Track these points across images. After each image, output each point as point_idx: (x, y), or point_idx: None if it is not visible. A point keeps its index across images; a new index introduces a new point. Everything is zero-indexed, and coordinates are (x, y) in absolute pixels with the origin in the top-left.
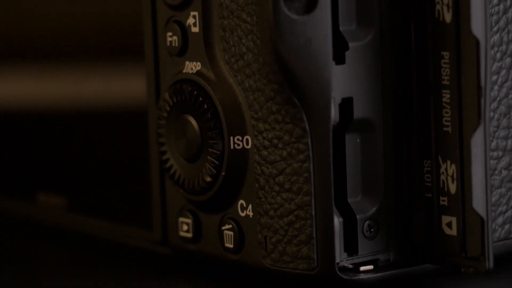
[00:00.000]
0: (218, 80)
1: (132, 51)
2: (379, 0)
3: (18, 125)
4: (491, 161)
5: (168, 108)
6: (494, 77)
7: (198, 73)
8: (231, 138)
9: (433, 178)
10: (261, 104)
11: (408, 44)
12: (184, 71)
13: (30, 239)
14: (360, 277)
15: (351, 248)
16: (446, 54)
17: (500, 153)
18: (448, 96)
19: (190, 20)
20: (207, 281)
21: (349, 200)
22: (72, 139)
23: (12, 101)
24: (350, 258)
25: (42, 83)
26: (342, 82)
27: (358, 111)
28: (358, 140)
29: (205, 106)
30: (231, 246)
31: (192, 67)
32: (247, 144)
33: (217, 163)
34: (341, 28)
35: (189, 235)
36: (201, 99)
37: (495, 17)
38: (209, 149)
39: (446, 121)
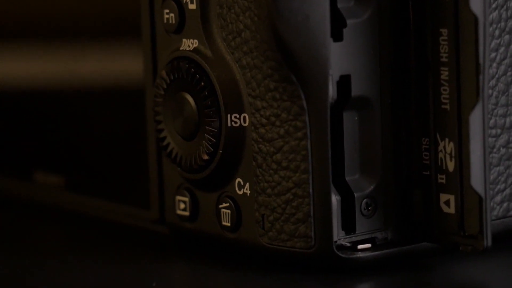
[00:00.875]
0: (215, 58)
1: (129, 28)
2: None
3: (15, 104)
4: (490, 139)
5: (165, 86)
6: (493, 54)
7: (195, 50)
8: (228, 116)
9: (431, 156)
10: (259, 81)
11: (406, 21)
12: (181, 48)
13: (27, 218)
14: (358, 255)
15: (349, 226)
16: (444, 31)
17: (499, 131)
18: (446, 73)
19: None
20: (204, 260)
21: (347, 178)
22: (69, 117)
23: (8, 80)
24: (347, 236)
25: (39, 61)
26: (340, 59)
27: (356, 89)
28: (356, 118)
29: (202, 83)
30: (228, 224)
31: (189, 44)
32: (245, 122)
33: (214, 141)
34: (339, 5)
35: (186, 213)
36: (198, 76)
37: None
38: (206, 127)
39: (444, 98)
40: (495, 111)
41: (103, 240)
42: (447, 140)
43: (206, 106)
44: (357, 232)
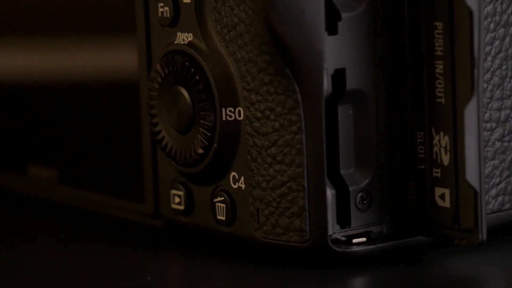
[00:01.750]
0: (210, 51)
1: (123, 22)
2: None
3: (9, 97)
4: (485, 133)
5: (159, 80)
6: (488, 48)
7: (190, 44)
8: (223, 109)
9: (426, 149)
10: (253, 75)
11: (401, 15)
12: (176, 42)
13: (21, 212)
14: (353, 249)
15: (343, 220)
16: (439, 24)
17: (494, 125)
18: (441, 67)
19: None
20: (199, 254)
21: (341, 172)
22: (64, 111)
23: (2, 73)
24: (342, 230)
25: (33, 55)
26: (335, 53)
27: (351, 82)
28: (350, 112)
29: (197, 77)
30: (223, 218)
31: (183, 38)
32: (239, 115)
33: (209, 134)
34: None
35: (181, 207)
36: (192, 70)
37: None
38: (201, 121)
39: (439, 92)
40: (490, 104)
41: (97, 234)
42: (442, 133)
43: (200, 99)
44: (352, 226)
